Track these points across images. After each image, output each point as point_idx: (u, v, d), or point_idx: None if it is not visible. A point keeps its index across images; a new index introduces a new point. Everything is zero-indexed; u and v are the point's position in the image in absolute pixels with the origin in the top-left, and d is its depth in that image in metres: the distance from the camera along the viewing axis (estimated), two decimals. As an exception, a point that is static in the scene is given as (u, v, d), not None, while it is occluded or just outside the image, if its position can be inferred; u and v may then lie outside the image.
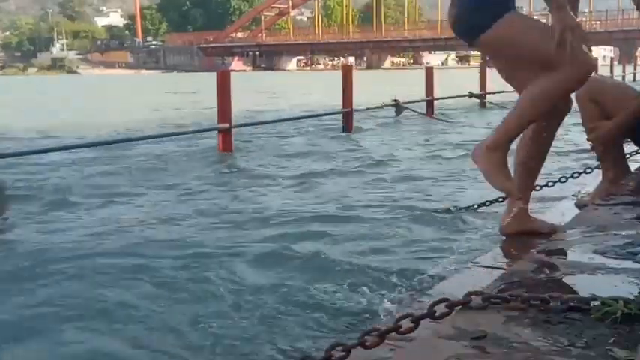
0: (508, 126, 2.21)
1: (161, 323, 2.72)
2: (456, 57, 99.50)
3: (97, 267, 3.48)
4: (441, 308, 1.39)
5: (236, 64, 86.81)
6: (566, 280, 1.66)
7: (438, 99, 14.44)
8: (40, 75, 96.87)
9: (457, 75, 35.69)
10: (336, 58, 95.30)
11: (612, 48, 65.30)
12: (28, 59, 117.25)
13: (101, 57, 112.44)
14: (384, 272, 3.24)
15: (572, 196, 3.33)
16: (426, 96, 14.18)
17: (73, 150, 7.83)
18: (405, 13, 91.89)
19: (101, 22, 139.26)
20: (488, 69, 17.49)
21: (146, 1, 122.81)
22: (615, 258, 1.79)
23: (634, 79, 27.77)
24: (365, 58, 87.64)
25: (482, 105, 16.54)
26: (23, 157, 6.96)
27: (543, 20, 2.36)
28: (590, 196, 3.02)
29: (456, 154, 8.04)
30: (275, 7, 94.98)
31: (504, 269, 1.88)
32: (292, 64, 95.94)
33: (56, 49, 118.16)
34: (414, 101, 13.82)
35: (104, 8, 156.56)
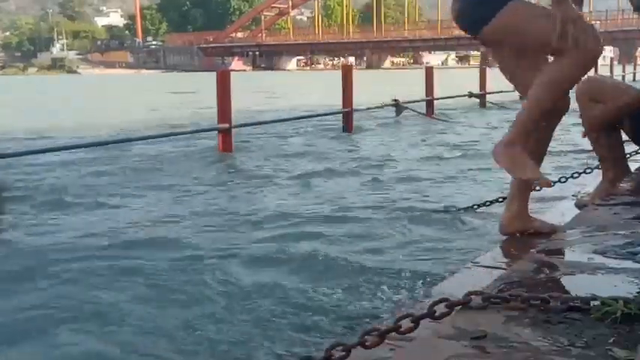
0: (522, 119, 2.21)
1: (157, 326, 2.71)
2: (456, 57, 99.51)
3: (93, 268, 3.48)
4: (441, 308, 1.39)
5: (236, 64, 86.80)
6: (566, 280, 1.66)
7: (438, 99, 14.45)
8: (40, 75, 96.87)
9: (457, 75, 35.70)
10: (336, 58, 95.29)
11: (612, 48, 65.35)
12: (28, 59, 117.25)
13: (101, 57, 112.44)
14: (384, 272, 3.24)
15: (572, 196, 3.32)
16: (426, 96, 14.18)
17: (72, 150, 7.83)
18: (405, 13, 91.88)
19: (101, 22, 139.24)
20: (488, 69, 17.49)
21: (146, 1, 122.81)
22: (615, 258, 1.79)
23: (634, 79, 27.78)
24: (365, 58, 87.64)
25: (483, 105, 16.55)
26: (22, 157, 6.96)
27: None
28: (590, 196, 3.02)
29: (456, 154, 8.05)
30: (275, 7, 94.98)
31: (504, 269, 1.88)
32: (292, 64, 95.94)
33: (56, 49, 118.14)
34: (414, 101, 13.82)
35: (104, 8, 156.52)
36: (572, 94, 2.48)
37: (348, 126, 11.04)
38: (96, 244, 4.04)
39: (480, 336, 1.27)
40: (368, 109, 12.70)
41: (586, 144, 3.31)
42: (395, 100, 13.17)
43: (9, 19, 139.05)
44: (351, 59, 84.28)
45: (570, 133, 7.24)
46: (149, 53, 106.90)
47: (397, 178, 6.34)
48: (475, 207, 4.47)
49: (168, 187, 6.06)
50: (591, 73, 2.42)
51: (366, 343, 1.29)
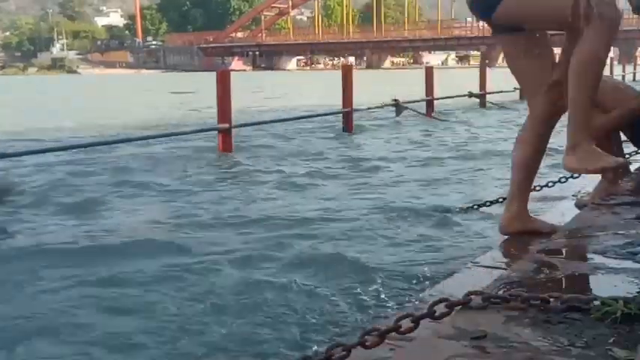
0: (575, 116, 2.18)
1: (156, 326, 2.70)
2: (456, 57, 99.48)
3: (92, 269, 3.47)
4: (441, 308, 1.39)
5: (236, 64, 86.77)
6: (566, 280, 1.65)
7: (437, 99, 14.45)
8: (40, 75, 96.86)
9: (457, 75, 35.70)
10: (336, 58, 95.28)
11: (612, 48, 65.22)
12: (28, 59, 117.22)
13: (101, 57, 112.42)
14: (383, 272, 3.24)
15: (572, 196, 3.33)
16: (426, 96, 14.18)
17: (72, 150, 7.83)
18: (405, 13, 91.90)
19: (101, 22, 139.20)
20: (488, 69, 17.50)
21: (146, 1, 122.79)
22: (615, 258, 1.78)
23: (634, 79, 27.79)
24: (365, 58, 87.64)
25: (483, 105, 16.55)
26: (22, 157, 6.96)
27: None
28: (590, 196, 3.02)
29: (456, 154, 8.04)
30: (275, 7, 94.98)
31: (504, 269, 1.88)
32: (292, 63, 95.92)
33: (56, 49, 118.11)
34: (414, 101, 13.82)
35: (104, 8, 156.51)
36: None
37: (348, 126, 11.04)
38: (96, 244, 4.04)
39: (480, 336, 1.27)
40: (368, 109, 12.70)
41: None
42: (395, 100, 13.17)
43: (9, 19, 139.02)
44: (351, 59, 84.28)
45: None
46: (149, 53, 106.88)
47: (397, 178, 6.34)
48: (475, 207, 4.47)
49: (168, 187, 6.06)
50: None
51: (366, 343, 1.29)
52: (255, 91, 25.96)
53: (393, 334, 1.32)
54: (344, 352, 1.25)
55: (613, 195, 2.67)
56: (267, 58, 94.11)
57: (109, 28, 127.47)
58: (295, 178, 6.42)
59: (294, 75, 65.35)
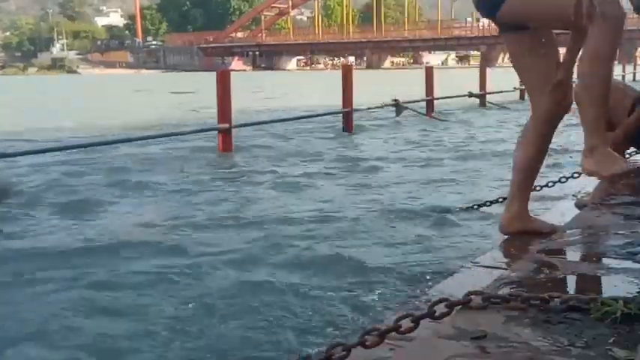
0: (590, 118, 2.18)
1: (153, 327, 2.70)
2: (456, 57, 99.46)
3: (89, 270, 3.47)
4: (441, 308, 1.39)
5: (236, 64, 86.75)
6: (566, 280, 1.66)
7: (438, 99, 14.45)
8: (40, 75, 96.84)
9: (457, 75, 35.70)
10: (336, 58, 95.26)
11: (613, 48, 65.21)
12: (28, 59, 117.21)
13: (101, 57, 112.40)
14: (383, 272, 3.24)
15: (572, 196, 3.32)
16: (426, 96, 14.18)
17: (71, 150, 7.83)
18: (405, 13, 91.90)
19: (101, 22, 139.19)
20: (488, 69, 17.49)
21: (146, 1, 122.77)
22: (615, 258, 1.79)
23: (634, 79, 27.81)
24: (365, 58, 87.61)
25: (482, 105, 16.55)
26: (22, 157, 6.96)
27: None
28: (590, 196, 3.02)
29: (456, 154, 8.04)
30: (275, 7, 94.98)
31: (504, 269, 1.88)
32: (292, 63, 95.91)
33: (56, 49, 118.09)
34: (414, 101, 13.82)
35: (104, 8, 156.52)
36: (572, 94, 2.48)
37: (348, 126, 11.04)
38: (87, 245, 4.02)
39: (480, 336, 1.27)
40: (368, 109, 12.70)
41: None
42: (395, 100, 13.17)
43: (9, 19, 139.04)
44: (351, 59, 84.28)
45: (570, 133, 7.25)
46: (149, 53, 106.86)
47: (396, 178, 6.34)
48: (475, 207, 4.48)
49: (168, 187, 6.06)
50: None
51: (366, 343, 1.29)
52: (255, 91, 25.96)
53: (393, 333, 1.32)
54: (344, 352, 1.25)
55: (613, 195, 2.68)
56: (267, 58, 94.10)
57: (109, 28, 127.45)
58: (295, 179, 6.42)
59: (294, 75, 65.35)
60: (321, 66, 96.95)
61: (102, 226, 4.54)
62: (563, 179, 3.62)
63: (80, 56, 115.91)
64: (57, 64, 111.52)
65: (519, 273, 1.69)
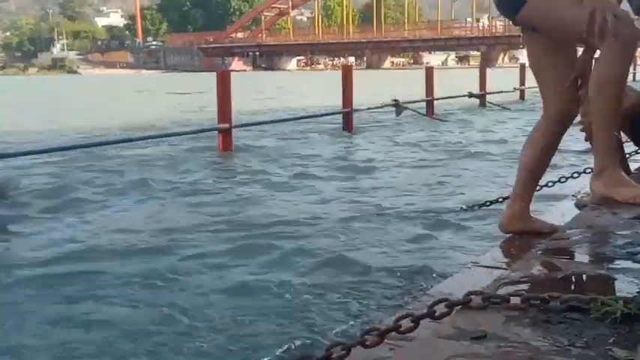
0: (596, 139, 2.20)
1: (153, 327, 2.70)
2: (456, 57, 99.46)
3: (89, 271, 3.47)
4: (441, 308, 1.39)
5: (236, 64, 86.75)
6: (566, 280, 1.65)
7: (438, 99, 14.45)
8: (41, 75, 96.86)
9: (457, 75, 35.70)
10: (336, 58, 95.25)
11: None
12: (29, 59, 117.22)
13: (101, 57, 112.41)
14: (383, 272, 3.24)
15: (572, 196, 3.32)
16: (426, 96, 14.18)
17: (71, 150, 7.83)
18: (405, 13, 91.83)
19: (101, 22, 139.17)
20: (488, 69, 17.49)
21: (146, 1, 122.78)
22: (615, 258, 1.78)
23: (634, 79, 27.77)
24: (365, 58, 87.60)
25: (482, 105, 16.55)
26: (21, 157, 6.96)
27: None
28: (590, 196, 3.02)
29: (456, 154, 8.04)
30: (275, 7, 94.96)
31: (504, 269, 1.88)
32: (292, 64, 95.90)
33: (56, 49, 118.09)
34: (414, 101, 13.82)
35: (104, 8, 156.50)
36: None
37: (348, 126, 11.04)
38: (94, 245, 4.04)
39: (480, 336, 1.27)
40: (368, 109, 12.71)
41: (586, 144, 3.31)
42: (395, 101, 13.17)
43: (9, 19, 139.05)
44: (351, 59, 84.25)
45: (570, 134, 7.24)
46: (149, 53, 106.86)
47: (397, 178, 6.34)
48: (475, 207, 4.48)
49: (167, 187, 6.06)
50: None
51: (366, 343, 1.29)
52: (256, 91, 25.96)
53: (393, 333, 1.32)
54: (343, 352, 1.25)
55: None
56: (267, 58, 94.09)
57: (110, 29, 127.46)
58: (295, 179, 6.42)
59: (294, 75, 65.34)
60: (321, 66, 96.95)
61: (97, 227, 4.55)
62: (563, 179, 3.62)
63: (80, 56, 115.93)
64: (57, 65, 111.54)
65: (519, 273, 1.69)
